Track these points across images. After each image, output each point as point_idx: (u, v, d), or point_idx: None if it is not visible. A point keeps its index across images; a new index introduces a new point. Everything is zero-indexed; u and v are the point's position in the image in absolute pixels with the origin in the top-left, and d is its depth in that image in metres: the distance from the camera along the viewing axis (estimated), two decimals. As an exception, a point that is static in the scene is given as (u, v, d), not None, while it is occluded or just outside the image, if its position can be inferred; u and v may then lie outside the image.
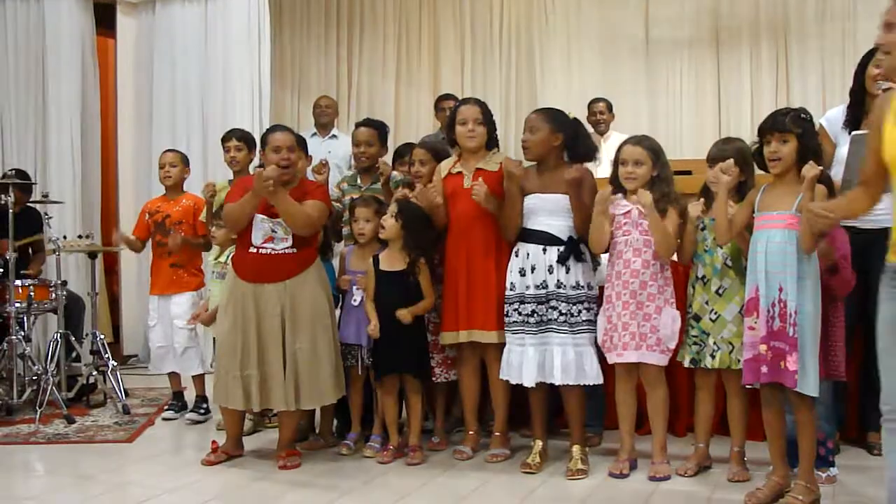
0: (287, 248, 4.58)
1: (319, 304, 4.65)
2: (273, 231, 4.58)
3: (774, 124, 3.94)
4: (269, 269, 4.58)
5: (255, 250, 4.59)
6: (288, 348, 4.57)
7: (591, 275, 4.57)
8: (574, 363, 4.44)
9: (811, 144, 3.92)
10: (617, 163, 4.47)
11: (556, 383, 4.47)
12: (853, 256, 4.18)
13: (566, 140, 4.61)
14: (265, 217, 4.58)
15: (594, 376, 4.47)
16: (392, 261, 4.77)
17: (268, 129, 4.88)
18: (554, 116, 4.64)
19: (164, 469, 4.74)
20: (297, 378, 4.57)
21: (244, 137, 5.63)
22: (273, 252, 4.58)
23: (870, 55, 4.71)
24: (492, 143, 4.85)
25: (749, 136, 4.21)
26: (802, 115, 3.94)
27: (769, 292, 3.88)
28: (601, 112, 7.89)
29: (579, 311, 4.48)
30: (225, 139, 5.69)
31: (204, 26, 7.71)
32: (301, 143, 5.41)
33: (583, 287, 4.49)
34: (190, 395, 5.89)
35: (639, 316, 4.34)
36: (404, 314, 4.65)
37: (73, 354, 6.15)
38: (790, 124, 3.89)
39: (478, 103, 4.85)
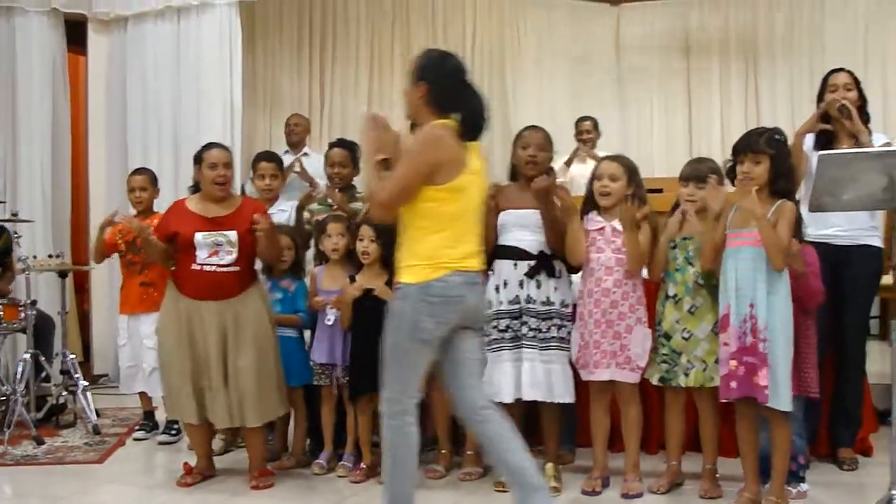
0: (231, 262, 4.59)
1: (262, 322, 4.66)
2: (217, 245, 4.58)
3: (748, 144, 4.00)
4: (213, 288, 4.58)
5: (198, 267, 4.59)
6: (230, 365, 4.56)
7: (566, 291, 4.59)
8: (543, 380, 4.46)
9: (783, 166, 4.00)
10: (592, 179, 4.50)
11: (525, 399, 4.48)
12: (824, 273, 4.24)
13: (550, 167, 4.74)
14: (207, 233, 4.59)
15: (561, 394, 4.48)
16: (369, 280, 4.77)
17: (204, 146, 4.86)
18: (551, 138, 4.72)
19: (135, 490, 4.71)
20: (240, 395, 4.56)
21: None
22: (218, 269, 4.58)
23: (825, 81, 4.82)
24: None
25: (720, 154, 4.25)
26: (776, 136, 4.01)
27: (740, 309, 3.93)
28: (588, 131, 7.89)
29: (549, 328, 4.49)
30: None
31: (176, 44, 7.67)
32: (278, 163, 5.45)
33: (553, 303, 4.51)
34: (161, 416, 5.84)
35: (609, 334, 4.37)
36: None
37: (43, 374, 6.08)
38: (764, 145, 3.96)
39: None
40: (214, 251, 4.58)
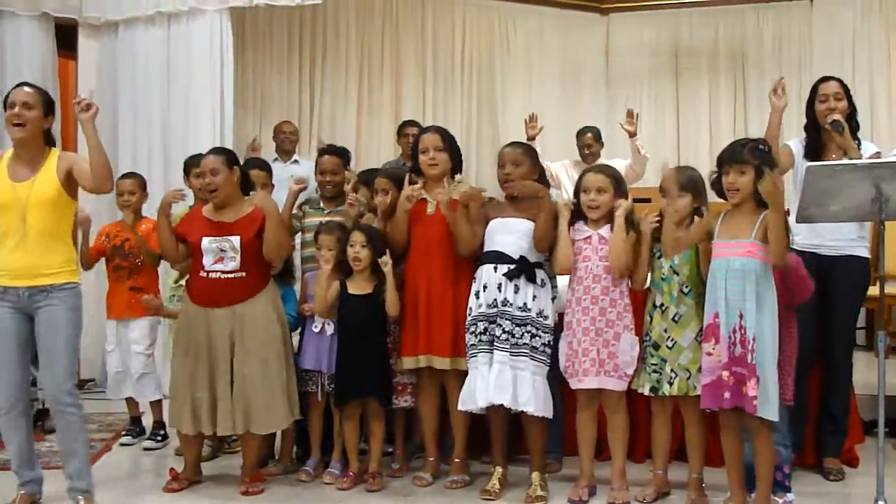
0: (236, 268, 4.58)
1: (270, 329, 4.64)
2: (222, 251, 4.58)
3: (732, 155, 4.02)
4: (218, 294, 4.58)
5: (205, 274, 4.60)
6: (236, 372, 4.55)
7: (546, 302, 4.57)
8: (510, 385, 4.42)
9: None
10: (579, 191, 4.52)
11: (492, 402, 4.45)
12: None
13: (540, 175, 4.73)
14: (212, 238, 4.59)
15: (526, 402, 4.42)
16: (359, 285, 4.77)
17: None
18: (533, 151, 4.74)
19: (121, 495, 4.70)
20: (246, 402, 4.55)
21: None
22: (222, 275, 4.57)
23: (815, 90, 4.84)
24: (456, 169, 4.89)
25: (707, 165, 4.27)
26: (760, 146, 4.03)
27: (729, 319, 3.94)
28: (589, 145, 7.57)
29: (522, 334, 4.46)
30: (191, 164, 5.67)
31: (167, 49, 7.64)
32: (267, 170, 5.45)
33: (530, 310, 4.49)
34: (148, 421, 5.83)
35: (598, 342, 4.37)
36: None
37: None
38: (748, 156, 3.98)
39: (439, 131, 4.89)
40: (219, 257, 4.58)
